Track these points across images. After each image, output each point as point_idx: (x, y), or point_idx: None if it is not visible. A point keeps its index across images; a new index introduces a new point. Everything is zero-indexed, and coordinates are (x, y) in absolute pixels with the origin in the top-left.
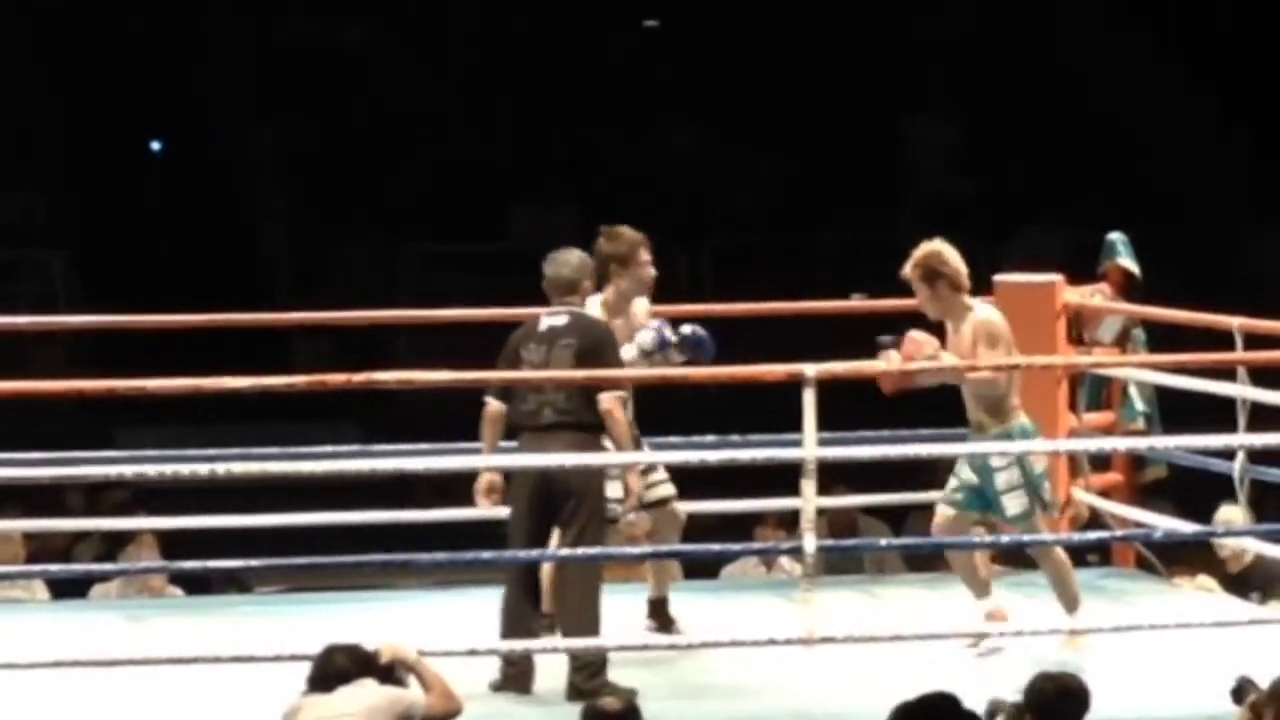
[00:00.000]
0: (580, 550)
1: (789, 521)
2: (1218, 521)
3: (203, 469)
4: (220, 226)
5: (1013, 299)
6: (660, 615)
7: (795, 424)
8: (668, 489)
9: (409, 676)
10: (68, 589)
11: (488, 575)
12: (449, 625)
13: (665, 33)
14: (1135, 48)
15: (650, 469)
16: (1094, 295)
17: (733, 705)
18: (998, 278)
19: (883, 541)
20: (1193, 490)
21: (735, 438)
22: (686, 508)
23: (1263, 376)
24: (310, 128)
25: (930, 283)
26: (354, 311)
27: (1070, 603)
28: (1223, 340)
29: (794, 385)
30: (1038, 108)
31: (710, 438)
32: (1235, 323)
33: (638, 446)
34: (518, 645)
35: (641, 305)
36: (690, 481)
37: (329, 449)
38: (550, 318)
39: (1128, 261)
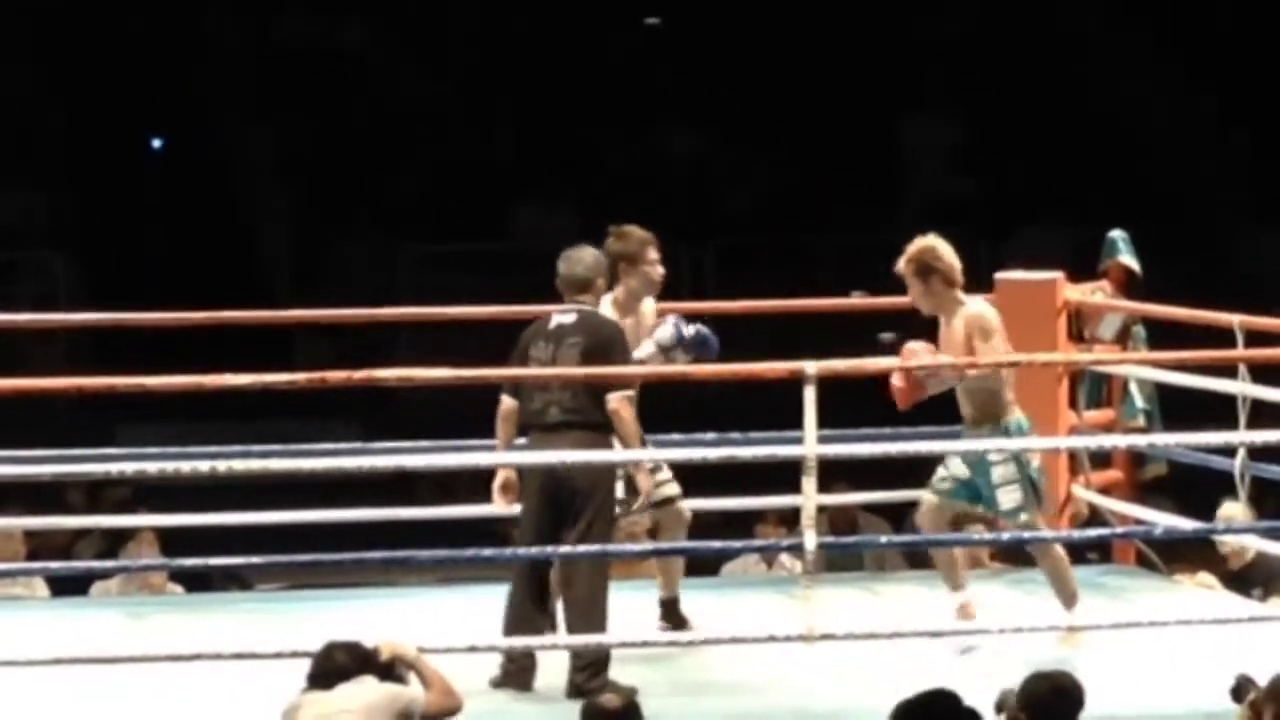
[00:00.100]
0: (580, 548)
1: (790, 519)
2: (1220, 518)
3: (203, 466)
4: (220, 226)
5: (1013, 296)
6: (673, 615)
7: (796, 421)
8: (673, 488)
9: (409, 674)
10: (68, 586)
11: (488, 572)
12: (449, 622)
13: (666, 31)
14: (1135, 48)
15: (656, 468)
16: (1095, 293)
17: (733, 702)
18: (999, 275)
19: (883, 539)
20: (1193, 487)
21: (736, 435)
22: (687, 505)
23: (1263, 374)
24: (310, 127)
25: (923, 278)
26: (354, 310)
27: (1068, 599)
28: (1223, 337)
29: (795, 383)
30: (1038, 108)
31: (711, 435)
32: (1236, 320)
33: (643, 445)
34: (518, 642)
35: (649, 305)
36: (691, 479)
37: (329, 446)
38: (560, 316)
39: (1129, 259)
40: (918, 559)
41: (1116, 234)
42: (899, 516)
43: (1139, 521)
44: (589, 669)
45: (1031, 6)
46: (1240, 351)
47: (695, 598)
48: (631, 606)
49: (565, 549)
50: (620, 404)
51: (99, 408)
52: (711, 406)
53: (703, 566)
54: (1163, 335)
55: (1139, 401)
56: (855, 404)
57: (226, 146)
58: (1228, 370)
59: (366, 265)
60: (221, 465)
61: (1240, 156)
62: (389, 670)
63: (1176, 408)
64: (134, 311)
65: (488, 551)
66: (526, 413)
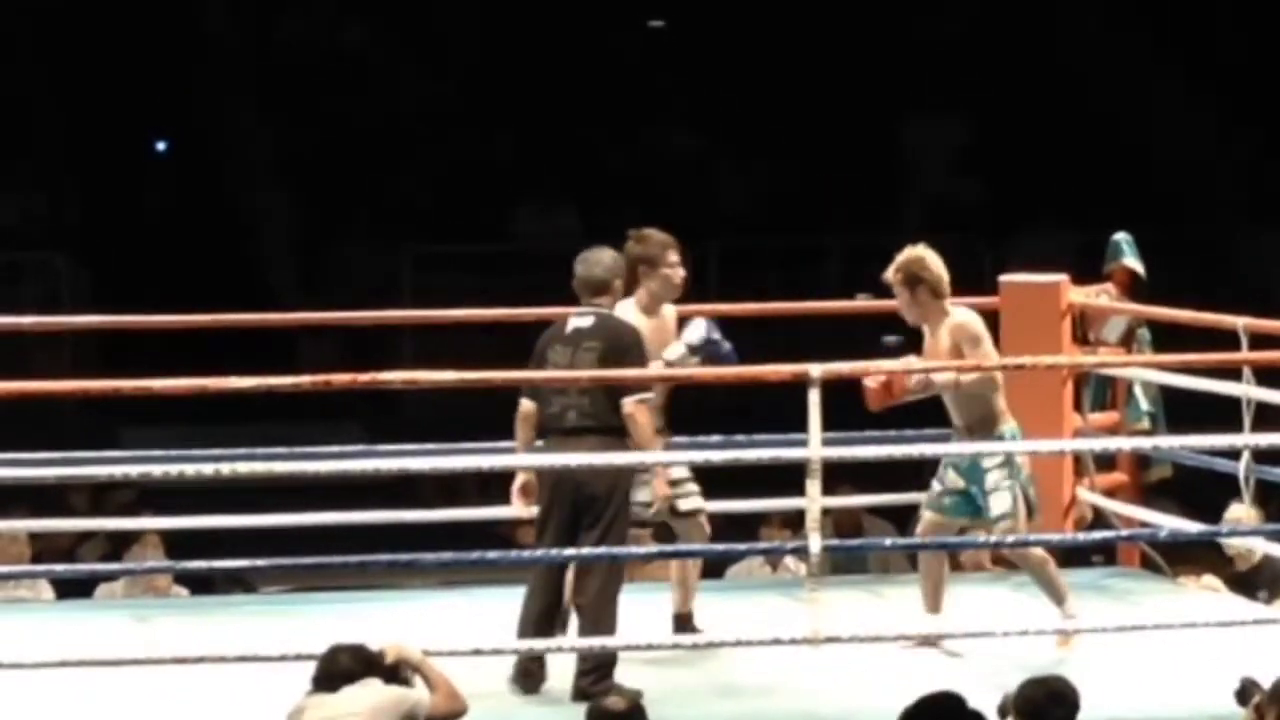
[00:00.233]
0: (586, 550)
1: (794, 521)
2: (1227, 520)
3: (207, 469)
4: (222, 227)
5: (1018, 299)
6: (688, 630)
7: (800, 424)
8: (697, 501)
9: (414, 676)
10: (72, 589)
11: (493, 575)
12: (454, 625)
13: (670, 33)
14: (1135, 48)
15: (685, 479)
16: (1099, 295)
17: (738, 705)
18: (1003, 278)
19: (888, 541)
20: (1198, 490)
21: (740, 437)
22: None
23: (1268, 376)
24: (311, 128)
25: (911, 288)
26: (359, 312)
27: (1058, 598)
28: (1228, 340)
29: (799, 385)
30: (1039, 109)
31: (715, 438)
32: (1240, 323)
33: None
34: (521, 644)
35: (669, 309)
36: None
37: (334, 449)
38: (578, 319)
39: (1133, 261)
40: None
41: (1121, 237)
42: (903, 519)
43: (1144, 524)
44: (594, 673)
45: (1031, 6)
46: (1245, 354)
47: (700, 600)
48: (637, 609)
49: (570, 552)
50: (635, 408)
51: (103, 410)
52: (715, 409)
53: (707, 569)
54: (1167, 338)
55: (1144, 404)
56: (859, 406)
57: (227, 148)
58: (1232, 373)
59: (367, 266)
60: (226, 468)
61: (1241, 158)
62: (394, 673)
63: (1181, 410)
64: (137, 313)
65: (493, 554)
66: (544, 416)
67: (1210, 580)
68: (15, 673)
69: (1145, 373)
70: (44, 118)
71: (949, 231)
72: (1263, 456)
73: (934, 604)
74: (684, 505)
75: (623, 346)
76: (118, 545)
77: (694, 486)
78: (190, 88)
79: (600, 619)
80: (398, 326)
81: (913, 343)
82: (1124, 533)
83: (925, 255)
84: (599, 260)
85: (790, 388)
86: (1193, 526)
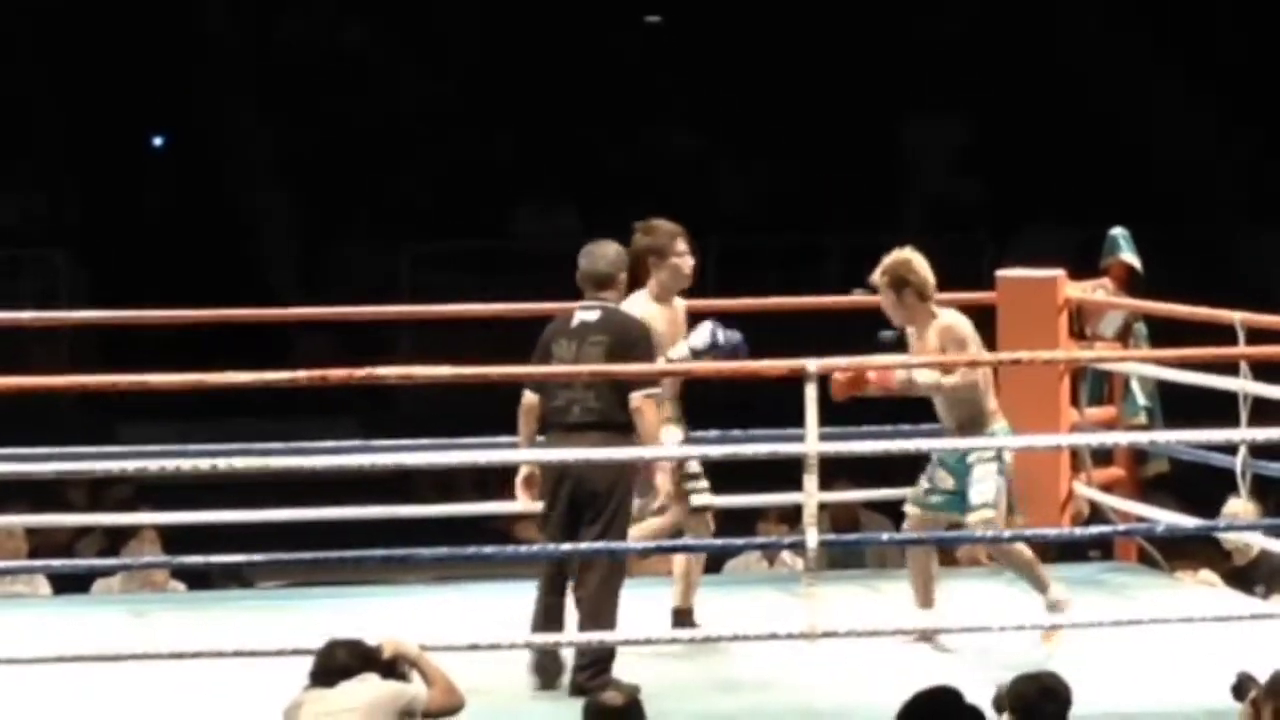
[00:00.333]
0: (583, 545)
1: (791, 516)
2: (1225, 515)
3: (204, 464)
4: (221, 224)
5: (1015, 294)
6: (686, 626)
7: (797, 419)
8: (707, 497)
9: (411, 671)
10: (70, 584)
11: (489, 570)
12: (450, 620)
13: (667, 29)
14: (1135, 48)
15: (694, 474)
16: (1096, 290)
17: (736, 700)
18: (1000, 273)
19: (884, 536)
20: (1195, 485)
21: (737, 432)
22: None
23: (1265, 371)
24: (311, 127)
25: (897, 290)
26: (355, 307)
27: (1041, 587)
28: (1225, 335)
29: (796, 380)
30: (1039, 108)
31: (713, 433)
32: (1237, 317)
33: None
34: (519, 638)
35: (679, 302)
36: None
37: (330, 445)
38: (583, 313)
39: (1130, 256)
40: None
41: (1118, 231)
42: (900, 514)
43: (1141, 519)
44: (591, 668)
45: (1031, 6)
46: (1242, 349)
47: (697, 595)
48: (634, 604)
49: (566, 547)
50: (643, 403)
51: (101, 406)
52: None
53: (705, 564)
54: (1164, 332)
55: (1140, 399)
56: (856, 402)
57: (227, 147)
58: (1229, 367)
59: (367, 265)
60: (222, 463)
61: (1241, 158)
62: (391, 668)
63: (1178, 405)
64: (135, 309)
65: (489, 549)
66: (549, 410)
67: (1207, 575)
68: (12, 668)
69: (1142, 367)
70: (44, 117)
71: (948, 229)
72: (1260, 451)
73: (925, 599)
74: (695, 501)
75: (629, 341)
76: (115, 540)
77: (705, 483)
78: (190, 87)
79: (600, 614)
80: (395, 323)
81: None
82: (1121, 528)
83: (912, 258)
84: (603, 254)
85: (787, 383)
86: (1190, 521)
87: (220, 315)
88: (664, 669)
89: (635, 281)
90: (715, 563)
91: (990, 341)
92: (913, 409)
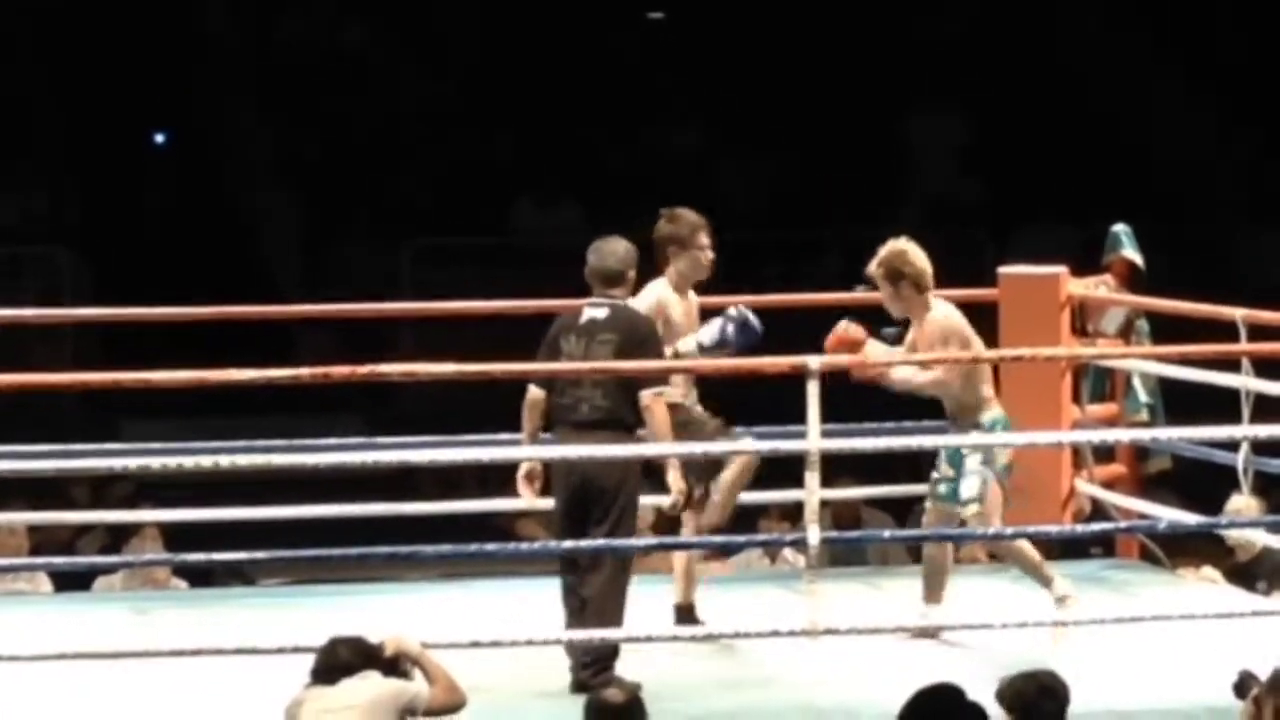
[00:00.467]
0: (584, 543)
1: (793, 513)
2: (1228, 511)
3: (207, 462)
4: (223, 222)
5: (1017, 291)
6: (688, 622)
7: (799, 416)
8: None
9: (413, 669)
10: (71, 582)
11: (492, 568)
12: (453, 617)
13: (669, 26)
14: (1135, 48)
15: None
16: (1098, 287)
17: (737, 697)
18: (1002, 270)
19: (886, 533)
20: (1197, 482)
21: (739, 429)
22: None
23: (1267, 368)
24: (311, 126)
25: (893, 282)
26: (358, 304)
27: (1045, 581)
28: (1227, 332)
29: (798, 377)
30: (1040, 107)
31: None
32: (1239, 314)
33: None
34: (521, 636)
35: (692, 297)
36: None
37: (332, 442)
38: (592, 310)
39: (1132, 253)
40: (921, 553)
41: (1120, 228)
42: (902, 511)
43: (1142, 516)
44: (594, 665)
45: (1031, 6)
46: (1244, 345)
47: (698, 592)
48: (635, 602)
49: (569, 544)
50: (653, 401)
51: (103, 403)
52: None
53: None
54: (1166, 329)
55: (1142, 396)
56: (858, 398)
57: (228, 147)
58: (1231, 364)
59: (368, 265)
60: (225, 461)
61: (1241, 158)
62: (393, 666)
63: (1180, 402)
64: (138, 306)
65: (491, 546)
66: (556, 408)
67: (1209, 572)
68: (14, 665)
69: (1144, 364)
70: (44, 116)
71: (950, 227)
72: (1262, 448)
73: (934, 594)
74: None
75: (638, 339)
76: (117, 538)
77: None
78: (191, 87)
79: (605, 611)
80: (397, 320)
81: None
82: (1123, 525)
83: (908, 249)
84: (612, 251)
85: (789, 380)
86: (1191, 518)
87: (223, 313)
88: (665, 666)
89: (654, 268)
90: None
91: (992, 338)
92: (914, 405)
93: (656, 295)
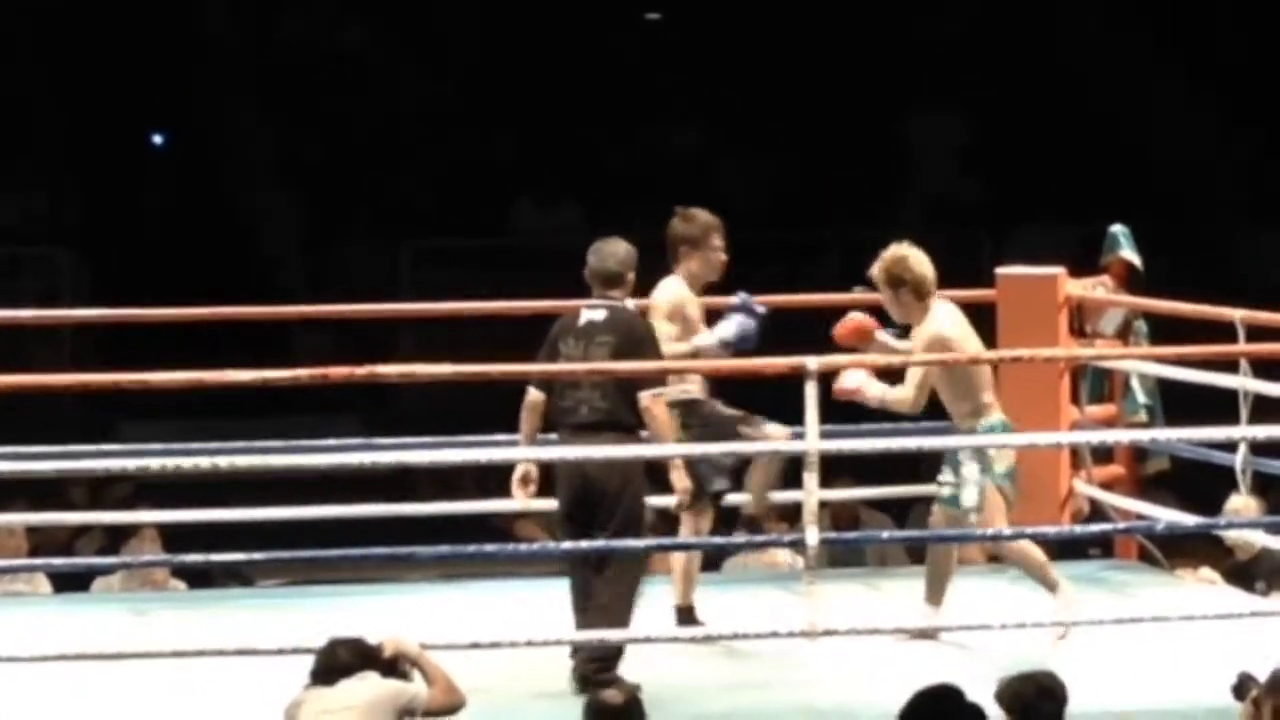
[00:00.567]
0: (585, 544)
1: (792, 514)
2: (1228, 510)
3: (205, 463)
4: (222, 222)
5: (1015, 292)
6: (689, 623)
7: (798, 416)
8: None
9: (412, 670)
10: (70, 583)
11: (490, 569)
12: (452, 618)
13: (667, 27)
14: (1135, 48)
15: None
16: (1096, 288)
17: (736, 698)
18: (1000, 270)
19: (884, 534)
20: (1195, 483)
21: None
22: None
23: (1265, 368)
24: (311, 126)
25: (894, 288)
26: (357, 305)
27: (1050, 586)
28: (1225, 332)
29: (796, 378)
30: (1039, 107)
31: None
32: (1237, 315)
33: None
34: (520, 637)
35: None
36: None
37: (331, 442)
38: (590, 312)
39: (1130, 254)
40: (920, 555)
41: (1118, 229)
42: (901, 512)
43: (1141, 517)
44: (600, 661)
45: (1031, 6)
46: (1242, 346)
47: (697, 593)
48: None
49: (567, 546)
50: (652, 402)
51: (101, 404)
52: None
53: (704, 562)
54: (1164, 330)
55: (1141, 396)
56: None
57: (228, 147)
58: (1229, 365)
59: (368, 266)
60: (223, 462)
61: (1241, 158)
62: (392, 666)
63: (1178, 403)
64: (137, 307)
65: (490, 548)
66: (556, 410)
67: (1207, 573)
68: (12, 666)
69: (1142, 365)
70: (44, 116)
71: (949, 227)
72: (1260, 449)
73: (936, 596)
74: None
75: (635, 340)
76: (115, 539)
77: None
78: (190, 87)
79: (616, 611)
80: (395, 321)
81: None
82: (1121, 525)
83: (909, 255)
84: (612, 252)
85: (788, 380)
86: (1190, 519)
87: (221, 313)
88: (664, 668)
89: (664, 266)
90: (714, 560)
91: (991, 339)
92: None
93: (676, 291)
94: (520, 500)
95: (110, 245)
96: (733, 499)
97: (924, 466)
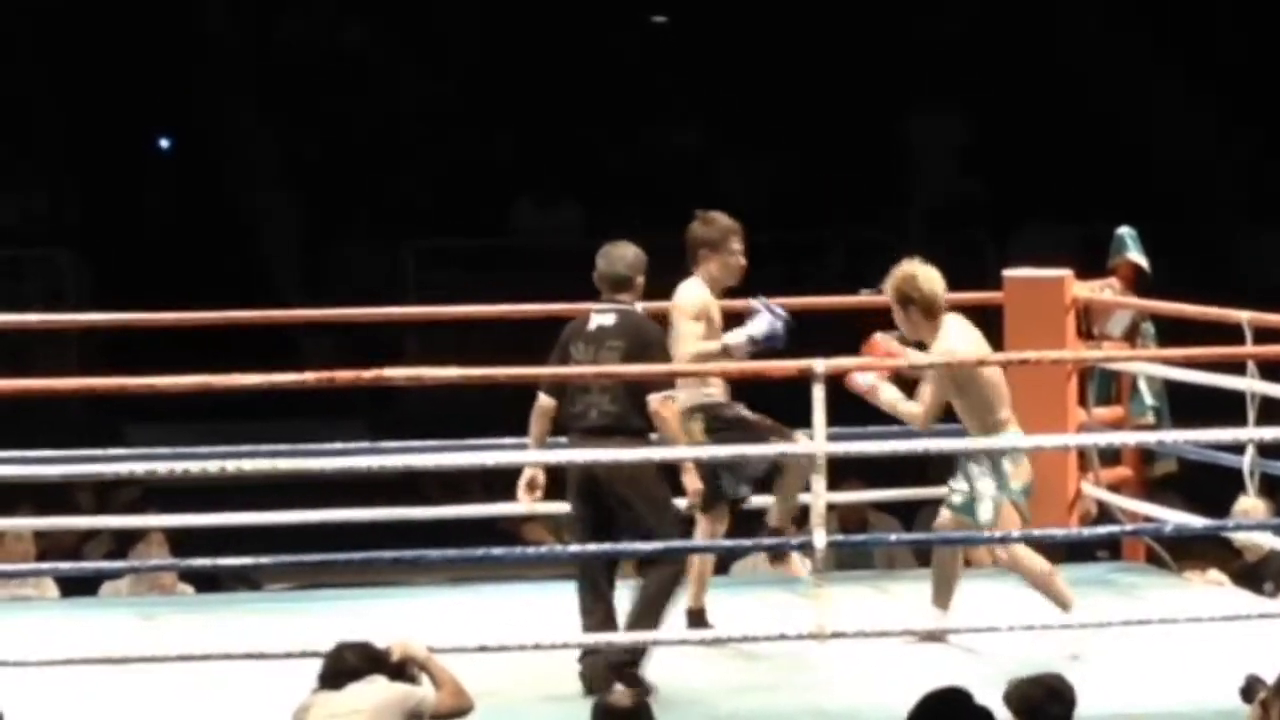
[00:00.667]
0: (590, 546)
1: (799, 517)
2: (1237, 512)
3: (212, 466)
4: (224, 227)
5: (1022, 294)
6: (700, 626)
7: (805, 419)
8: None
9: (420, 674)
10: (77, 587)
11: (498, 572)
12: (459, 622)
13: (671, 30)
14: (1135, 48)
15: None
16: (1103, 290)
17: (743, 701)
18: (1007, 273)
19: (893, 537)
20: (1203, 485)
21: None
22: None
23: (1272, 370)
24: (312, 127)
25: (903, 305)
26: (363, 309)
27: (1063, 605)
28: (1232, 334)
29: (803, 380)
30: (1040, 107)
31: None
32: (1245, 317)
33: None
34: (528, 640)
35: None
36: None
37: (338, 446)
38: (600, 316)
39: (1137, 256)
40: (928, 557)
41: (1125, 231)
42: (909, 515)
43: (1148, 519)
44: (632, 654)
45: (1031, 6)
46: (1249, 348)
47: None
48: None
49: (575, 548)
50: (661, 405)
51: (108, 408)
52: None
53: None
54: (1171, 332)
55: (1148, 399)
56: (864, 402)
57: (228, 147)
58: (1237, 367)
59: (368, 266)
60: (230, 465)
61: (1241, 158)
62: (400, 670)
63: (1185, 405)
64: (141, 310)
65: (497, 551)
66: (566, 415)
67: (1215, 575)
68: (20, 671)
69: (1150, 367)
70: (44, 117)
71: (952, 227)
72: (1268, 450)
73: (943, 600)
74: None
75: (645, 344)
76: (123, 543)
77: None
78: (191, 87)
79: (655, 611)
80: (400, 323)
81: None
82: (1129, 528)
83: (918, 273)
84: (621, 255)
85: (795, 383)
86: (1198, 521)
87: (228, 317)
88: (674, 669)
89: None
90: (722, 564)
91: (998, 341)
92: None
93: (699, 293)
94: (525, 504)
95: (111, 245)
96: (757, 503)
97: (932, 469)
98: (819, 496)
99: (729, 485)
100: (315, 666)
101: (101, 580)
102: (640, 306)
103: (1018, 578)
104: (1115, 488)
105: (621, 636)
